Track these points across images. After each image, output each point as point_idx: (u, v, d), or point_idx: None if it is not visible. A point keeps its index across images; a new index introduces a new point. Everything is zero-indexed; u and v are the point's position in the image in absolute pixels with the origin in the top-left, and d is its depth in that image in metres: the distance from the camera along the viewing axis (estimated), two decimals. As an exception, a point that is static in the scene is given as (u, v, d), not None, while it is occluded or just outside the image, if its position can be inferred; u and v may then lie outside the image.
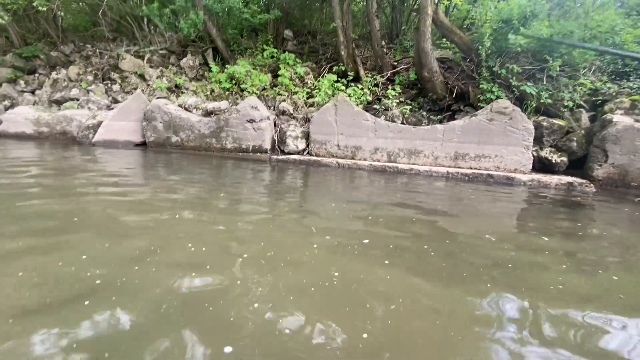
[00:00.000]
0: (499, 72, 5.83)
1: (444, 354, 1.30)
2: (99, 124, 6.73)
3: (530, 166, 5.12)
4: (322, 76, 7.81)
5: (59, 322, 1.33)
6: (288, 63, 7.70)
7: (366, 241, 2.36)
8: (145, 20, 8.72)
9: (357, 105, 6.27)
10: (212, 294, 1.60)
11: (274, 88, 7.40)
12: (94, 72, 8.35)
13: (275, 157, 6.05)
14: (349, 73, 7.39)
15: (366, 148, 5.82)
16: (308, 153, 6.23)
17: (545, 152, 5.32)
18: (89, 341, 1.24)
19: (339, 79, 7.20)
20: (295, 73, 7.55)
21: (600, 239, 2.70)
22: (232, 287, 1.67)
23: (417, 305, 1.61)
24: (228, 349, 1.23)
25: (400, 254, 2.19)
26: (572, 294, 1.78)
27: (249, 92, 7.10)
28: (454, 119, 6.12)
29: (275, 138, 6.42)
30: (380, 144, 5.74)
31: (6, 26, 8.13)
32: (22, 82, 8.31)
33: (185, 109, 6.80)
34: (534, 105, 5.66)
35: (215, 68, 7.70)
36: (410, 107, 6.57)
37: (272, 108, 6.93)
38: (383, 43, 8.12)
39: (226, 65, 7.89)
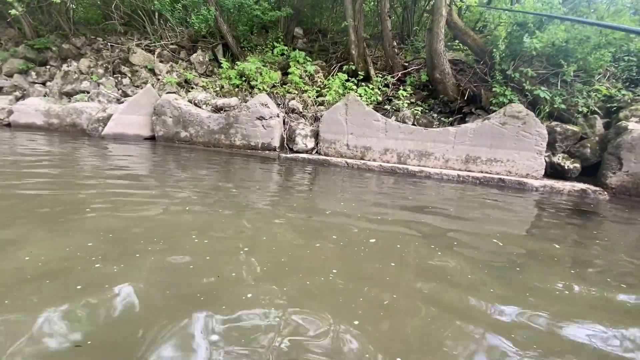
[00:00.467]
0: (513, 75, 5.77)
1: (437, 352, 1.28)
2: (109, 117, 6.75)
3: (543, 172, 5.06)
4: (332, 75, 7.79)
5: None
6: (298, 61, 7.68)
7: (373, 240, 2.36)
8: (156, 14, 8.73)
9: (368, 105, 6.23)
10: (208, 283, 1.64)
11: (284, 86, 7.38)
12: (104, 65, 8.38)
13: (284, 155, 6.04)
14: (359, 72, 7.35)
15: (376, 149, 5.79)
16: (317, 152, 6.21)
17: (558, 158, 5.26)
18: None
19: (350, 78, 7.17)
20: (305, 71, 7.53)
21: (611, 249, 2.66)
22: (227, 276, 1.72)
23: (415, 304, 1.61)
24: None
25: (406, 254, 2.18)
26: (575, 301, 1.76)
27: (259, 89, 7.08)
28: (465, 122, 6.07)
29: (285, 136, 6.40)
30: (391, 145, 5.70)
31: (19, 17, 8.16)
32: (33, 73, 8.35)
33: (195, 104, 6.80)
34: (547, 110, 5.59)
35: (225, 64, 7.70)
36: (421, 108, 6.52)
37: (281, 106, 6.91)
38: (394, 43, 8.07)
39: (236, 62, 7.88)
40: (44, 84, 8.30)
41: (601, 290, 1.90)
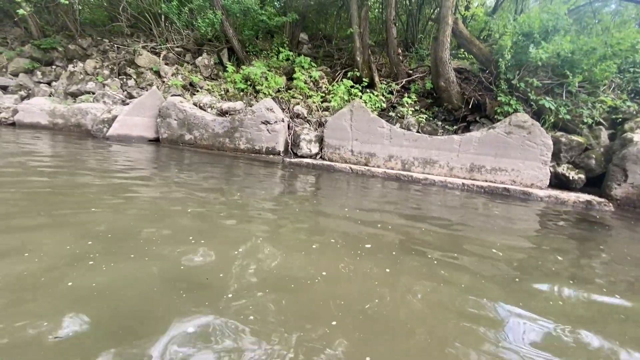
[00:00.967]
0: (518, 85, 5.79)
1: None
2: (114, 118, 6.75)
3: (547, 182, 5.05)
4: (337, 81, 7.81)
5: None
6: (303, 66, 7.71)
7: (368, 246, 2.36)
8: (162, 17, 8.78)
9: (372, 111, 6.24)
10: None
11: (289, 91, 7.41)
12: (110, 67, 8.41)
13: (288, 159, 6.03)
14: (363, 79, 7.38)
15: (380, 155, 5.79)
16: (321, 157, 6.21)
17: (563, 169, 5.25)
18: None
19: (354, 85, 7.19)
20: (310, 77, 7.55)
21: (615, 261, 2.64)
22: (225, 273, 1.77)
23: (406, 310, 1.61)
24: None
25: (402, 261, 2.18)
26: (568, 312, 1.76)
27: (264, 93, 7.10)
28: (469, 130, 6.08)
29: (289, 141, 6.40)
30: (395, 152, 5.70)
31: (26, 17, 8.21)
32: (39, 73, 8.38)
33: (200, 107, 6.81)
34: (552, 120, 5.60)
35: (230, 68, 7.73)
36: (426, 116, 6.54)
37: (286, 111, 6.92)
38: (399, 50, 8.11)
39: (241, 66, 7.91)
40: (49, 83, 8.33)
41: (594, 301, 1.91)
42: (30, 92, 8.04)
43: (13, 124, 7.27)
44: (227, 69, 7.85)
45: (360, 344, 1.34)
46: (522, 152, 5.09)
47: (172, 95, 7.07)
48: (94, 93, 7.73)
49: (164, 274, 1.74)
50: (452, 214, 3.57)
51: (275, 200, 3.49)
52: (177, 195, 3.21)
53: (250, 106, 6.52)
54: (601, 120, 5.53)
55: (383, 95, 7.12)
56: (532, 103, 5.75)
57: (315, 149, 6.25)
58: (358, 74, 7.48)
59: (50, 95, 7.85)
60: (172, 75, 8.08)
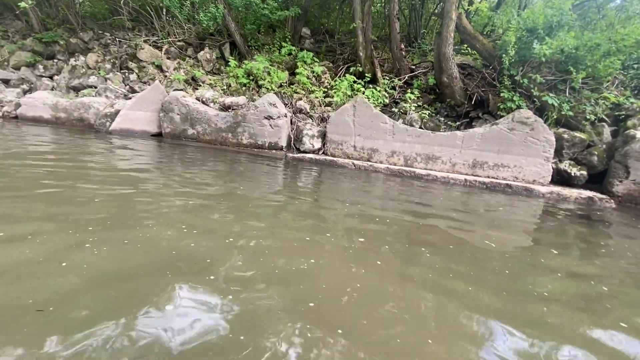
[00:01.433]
0: (521, 81, 5.78)
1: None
2: (117, 112, 6.76)
3: (550, 178, 5.07)
4: (339, 76, 7.80)
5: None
6: (305, 61, 7.69)
7: (362, 239, 2.42)
8: (164, 10, 8.73)
9: (375, 107, 6.24)
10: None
11: (291, 86, 7.39)
12: (112, 61, 8.38)
13: (290, 155, 6.05)
14: (366, 74, 7.36)
15: (383, 151, 5.80)
16: (324, 153, 6.22)
17: (565, 165, 5.27)
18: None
19: (357, 80, 7.17)
20: (313, 72, 7.53)
21: (612, 256, 2.67)
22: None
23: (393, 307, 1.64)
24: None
25: (395, 255, 2.21)
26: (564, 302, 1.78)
27: (267, 88, 7.09)
28: (472, 126, 6.08)
29: (292, 136, 6.41)
30: (398, 148, 5.71)
31: (27, 10, 8.16)
32: (40, 66, 8.35)
33: (203, 102, 6.80)
34: (555, 116, 5.60)
35: (232, 62, 7.70)
36: (428, 111, 6.53)
37: (288, 106, 6.92)
38: (402, 46, 8.08)
39: (244, 61, 7.89)
40: (51, 77, 8.31)
41: (587, 295, 1.94)
42: (32, 85, 8.03)
43: (16, 118, 7.27)
44: (229, 63, 7.83)
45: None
46: (524, 148, 5.10)
47: (174, 90, 7.06)
48: (96, 87, 7.72)
49: (154, 258, 1.83)
50: (453, 210, 3.60)
51: (276, 195, 3.52)
52: (178, 189, 3.23)
53: (253, 101, 6.52)
54: (604, 117, 5.53)
55: (385, 90, 7.11)
56: (535, 99, 5.74)
57: (317, 144, 6.26)
58: (360, 69, 7.46)
59: (52, 89, 7.84)
60: (174, 69, 8.06)
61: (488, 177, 5.27)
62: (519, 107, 5.63)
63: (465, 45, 7.55)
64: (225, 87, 7.56)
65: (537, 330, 1.52)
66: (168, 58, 8.34)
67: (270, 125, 6.17)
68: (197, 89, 7.50)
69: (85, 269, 1.64)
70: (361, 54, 7.57)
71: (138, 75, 8.10)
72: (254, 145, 6.31)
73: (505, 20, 7.46)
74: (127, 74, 8.17)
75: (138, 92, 7.42)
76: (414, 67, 7.83)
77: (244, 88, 7.38)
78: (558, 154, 5.34)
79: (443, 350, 1.35)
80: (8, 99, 7.36)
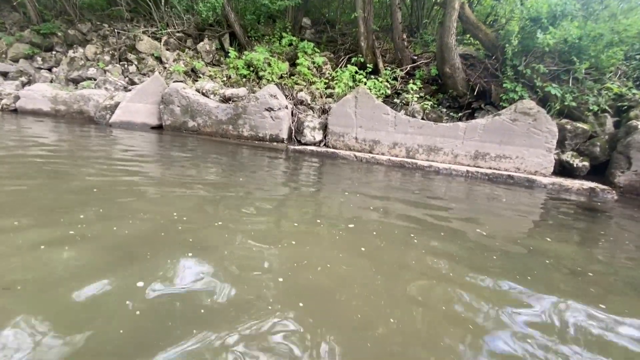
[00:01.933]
0: (524, 71, 5.74)
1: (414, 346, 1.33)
2: (116, 104, 6.72)
3: (552, 169, 5.07)
4: (340, 67, 7.73)
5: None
6: (306, 52, 7.62)
7: (351, 225, 2.45)
8: (162, 1, 8.61)
9: (376, 98, 6.20)
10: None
11: (292, 77, 7.34)
12: (110, 52, 8.31)
13: (292, 147, 6.04)
14: (367, 65, 7.30)
15: (385, 142, 5.78)
16: (325, 144, 6.21)
17: (567, 156, 5.26)
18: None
19: (359, 71, 7.12)
20: (313, 62, 7.47)
21: (612, 248, 2.68)
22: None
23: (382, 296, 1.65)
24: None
25: (391, 246, 2.22)
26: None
27: (267, 79, 7.04)
28: (474, 117, 6.06)
29: (293, 128, 6.39)
30: (400, 139, 5.70)
31: (25, 1, 8.06)
32: (39, 58, 8.28)
33: (203, 94, 6.76)
34: (558, 107, 5.57)
35: (232, 53, 7.63)
36: (430, 102, 6.50)
37: (289, 97, 6.88)
38: (404, 36, 7.99)
39: (244, 52, 7.81)
40: (49, 69, 8.24)
41: (583, 285, 1.96)
42: (31, 78, 7.97)
43: (15, 111, 7.23)
44: (229, 54, 7.75)
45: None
46: (527, 139, 5.09)
47: (174, 82, 7.01)
48: (95, 79, 7.66)
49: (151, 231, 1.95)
50: (454, 201, 3.61)
51: (276, 187, 3.52)
52: (180, 180, 3.24)
53: (253, 92, 6.48)
54: (607, 108, 5.50)
55: (387, 81, 7.05)
56: (537, 90, 5.70)
57: (319, 136, 6.24)
58: (362, 59, 7.39)
59: (51, 82, 7.78)
60: (173, 61, 7.99)
61: (490, 168, 5.26)
62: (521, 97, 5.60)
63: (468, 35, 7.47)
64: (225, 79, 7.50)
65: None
66: (167, 49, 8.26)
67: (271, 117, 6.14)
68: (197, 80, 7.45)
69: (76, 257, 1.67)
70: (363, 44, 7.49)
71: (137, 67, 8.04)
72: (255, 138, 6.29)
73: (508, 10, 7.36)
74: (126, 65, 8.11)
75: (137, 84, 7.37)
76: (416, 57, 7.75)
77: (244, 79, 7.33)
78: (560, 145, 5.33)
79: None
80: (7, 92, 7.31)
